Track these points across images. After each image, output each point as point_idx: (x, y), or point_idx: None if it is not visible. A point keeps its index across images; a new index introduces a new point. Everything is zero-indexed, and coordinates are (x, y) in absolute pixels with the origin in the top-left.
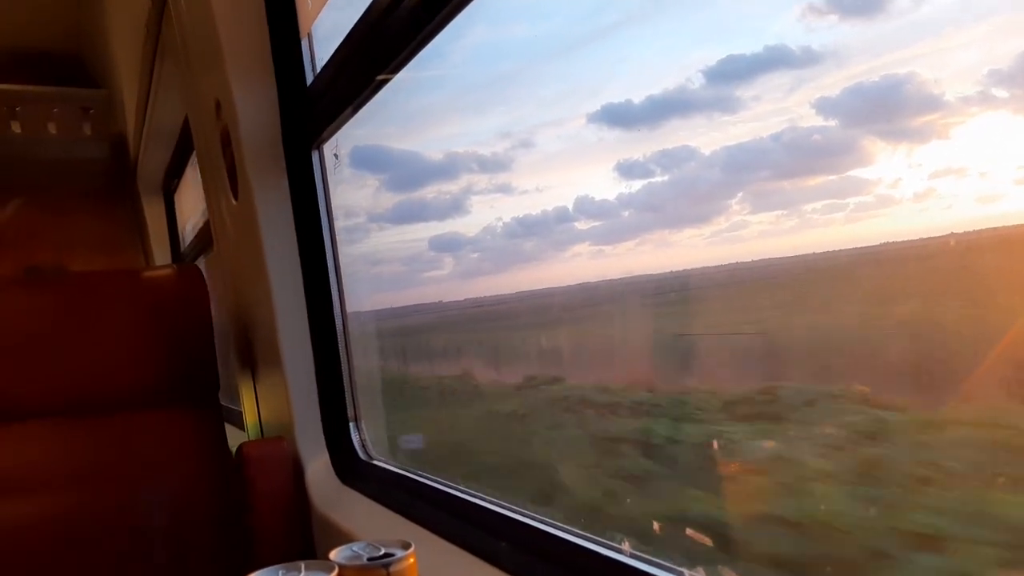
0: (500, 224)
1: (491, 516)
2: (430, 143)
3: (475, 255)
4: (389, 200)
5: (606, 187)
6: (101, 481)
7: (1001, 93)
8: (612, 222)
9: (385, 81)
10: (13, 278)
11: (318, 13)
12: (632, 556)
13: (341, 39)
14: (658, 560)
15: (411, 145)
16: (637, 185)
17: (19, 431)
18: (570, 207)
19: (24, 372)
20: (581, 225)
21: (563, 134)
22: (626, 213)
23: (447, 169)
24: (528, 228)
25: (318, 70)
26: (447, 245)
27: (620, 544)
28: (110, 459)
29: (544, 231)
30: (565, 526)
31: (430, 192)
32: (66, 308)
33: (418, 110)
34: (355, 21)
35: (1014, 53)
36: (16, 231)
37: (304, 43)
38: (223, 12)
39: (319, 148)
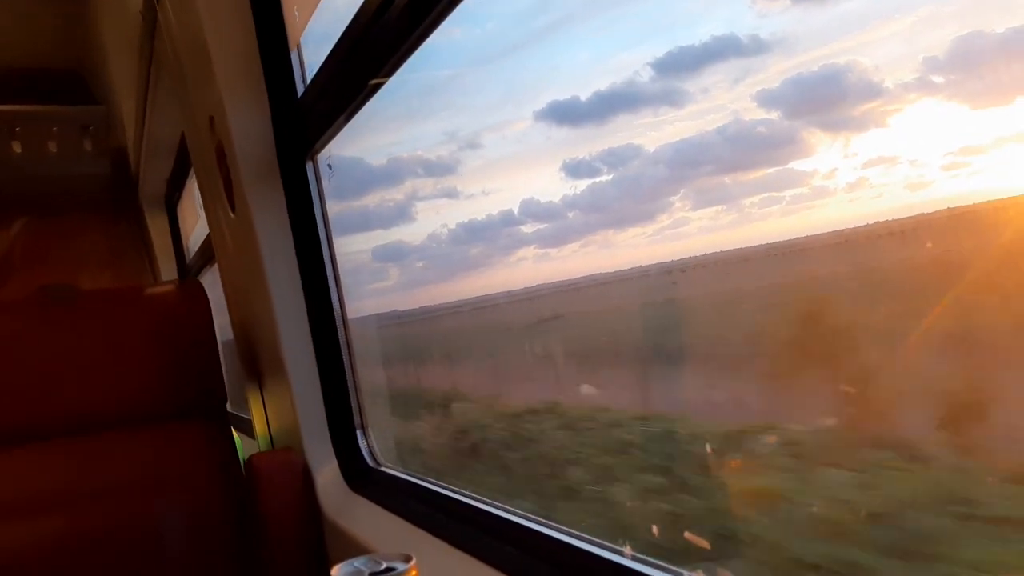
0: (446, 230)
1: (498, 522)
2: (372, 149)
3: (420, 264)
4: (329, 209)
5: (552, 188)
6: (113, 497)
7: (937, 79)
8: (558, 224)
9: (377, 87)
10: (22, 299)
11: (306, 24)
12: (635, 559)
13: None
14: (661, 563)
15: (352, 151)
16: (583, 185)
17: (31, 450)
18: (516, 210)
19: (34, 392)
20: (527, 228)
21: (509, 135)
22: (571, 214)
23: (392, 174)
24: (474, 233)
25: (308, 81)
26: (392, 254)
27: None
28: (121, 475)
29: (490, 236)
30: (572, 531)
31: (373, 199)
32: (71, 327)
33: (359, 115)
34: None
35: (947, 40)
36: (21, 251)
37: (293, 55)
38: (212, 27)
39: (313, 158)
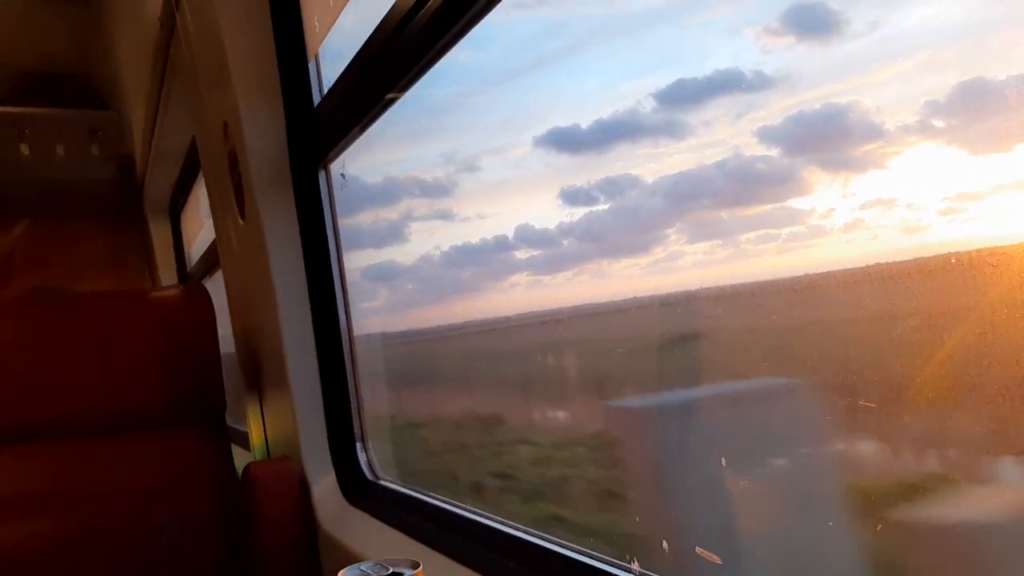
0: (438, 252)
1: (497, 535)
2: (369, 167)
3: (411, 285)
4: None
5: (548, 215)
6: (108, 501)
7: (938, 123)
8: (552, 251)
9: (393, 100)
10: (20, 299)
11: (325, 35)
12: (641, 575)
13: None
14: None
15: (349, 170)
16: (579, 213)
17: (26, 452)
18: (510, 235)
19: (31, 393)
20: (521, 254)
21: (508, 160)
22: (566, 242)
23: (388, 193)
24: (467, 256)
25: (325, 91)
26: (383, 275)
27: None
28: (116, 479)
29: (484, 260)
30: (572, 545)
31: (367, 218)
32: (72, 329)
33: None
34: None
35: (949, 84)
36: (24, 252)
37: (311, 65)
38: (231, 35)
39: (326, 168)
